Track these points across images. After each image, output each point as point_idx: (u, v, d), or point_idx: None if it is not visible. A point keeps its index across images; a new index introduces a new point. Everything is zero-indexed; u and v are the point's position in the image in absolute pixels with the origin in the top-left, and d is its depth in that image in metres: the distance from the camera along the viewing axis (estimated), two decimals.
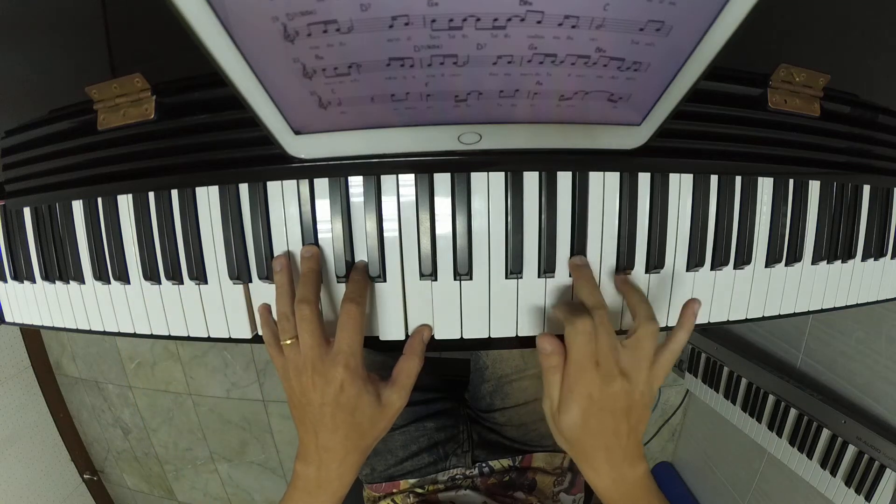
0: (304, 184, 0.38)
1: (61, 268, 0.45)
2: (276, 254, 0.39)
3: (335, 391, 0.34)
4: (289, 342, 0.35)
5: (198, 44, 0.23)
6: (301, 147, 0.33)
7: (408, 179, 0.38)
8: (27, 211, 0.46)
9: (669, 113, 0.31)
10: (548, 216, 0.38)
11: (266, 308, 0.40)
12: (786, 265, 0.44)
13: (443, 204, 0.38)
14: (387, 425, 0.38)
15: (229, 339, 0.41)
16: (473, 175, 0.38)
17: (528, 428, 0.60)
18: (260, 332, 0.40)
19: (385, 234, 0.38)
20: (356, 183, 0.38)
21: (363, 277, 0.37)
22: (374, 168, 0.36)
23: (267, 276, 0.39)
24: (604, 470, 0.35)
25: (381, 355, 0.60)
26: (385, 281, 0.39)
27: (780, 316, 0.45)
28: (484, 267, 0.39)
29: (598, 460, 0.35)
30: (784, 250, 0.43)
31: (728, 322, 0.43)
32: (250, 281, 0.40)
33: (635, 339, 0.35)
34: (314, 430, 0.36)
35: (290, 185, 0.38)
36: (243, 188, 0.39)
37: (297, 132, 0.31)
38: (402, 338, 0.40)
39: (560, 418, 0.35)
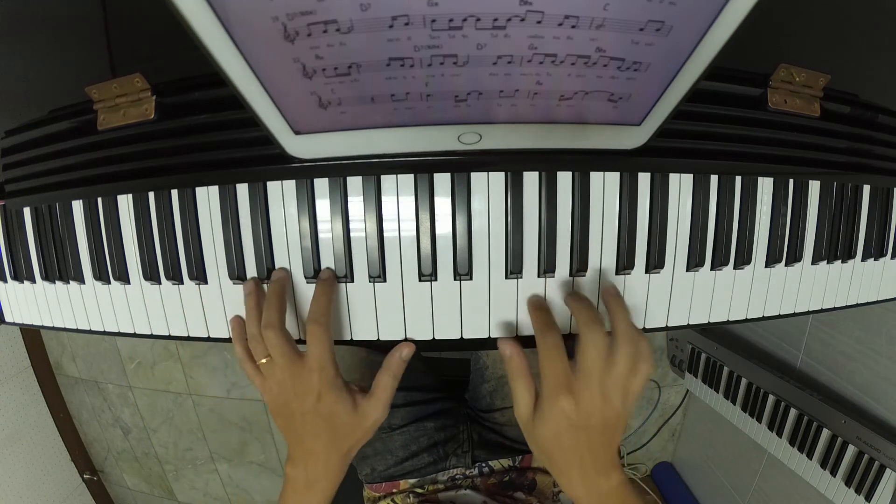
0: (304, 184, 0.38)
1: (61, 268, 0.45)
2: (275, 254, 0.39)
3: (314, 400, 0.36)
4: (264, 361, 0.37)
5: (198, 44, 0.23)
6: (301, 147, 0.33)
7: (408, 179, 0.38)
8: (27, 211, 0.46)
9: (669, 113, 0.31)
10: (548, 216, 0.38)
11: (238, 322, 0.40)
12: (786, 265, 0.44)
13: (443, 204, 0.38)
14: (366, 432, 0.39)
15: (229, 340, 0.41)
16: (473, 175, 0.38)
17: None
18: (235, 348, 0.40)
19: (385, 234, 0.38)
20: (356, 183, 0.38)
21: (325, 293, 0.37)
22: (374, 168, 0.36)
23: (267, 276, 0.39)
24: (577, 481, 0.36)
25: (380, 355, 0.60)
26: (385, 281, 0.39)
27: (780, 316, 0.45)
28: (484, 267, 0.39)
29: (571, 472, 0.36)
30: (784, 250, 0.43)
31: (728, 322, 0.43)
32: None
33: (581, 353, 0.33)
34: (298, 436, 0.38)
35: (289, 185, 0.38)
36: (243, 188, 0.39)
37: (297, 132, 0.31)
38: (402, 338, 0.40)
39: (535, 432, 0.36)
